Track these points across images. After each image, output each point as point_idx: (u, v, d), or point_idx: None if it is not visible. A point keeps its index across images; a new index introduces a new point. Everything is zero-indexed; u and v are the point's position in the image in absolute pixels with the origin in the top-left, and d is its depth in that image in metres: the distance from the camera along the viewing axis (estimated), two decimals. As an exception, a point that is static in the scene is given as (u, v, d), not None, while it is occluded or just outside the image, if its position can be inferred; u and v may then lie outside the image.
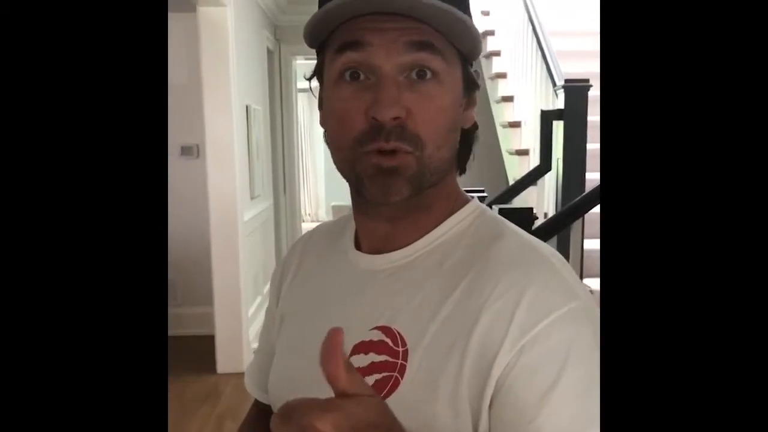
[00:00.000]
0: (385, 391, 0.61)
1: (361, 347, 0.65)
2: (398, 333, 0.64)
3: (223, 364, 3.74)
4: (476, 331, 0.60)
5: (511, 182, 3.84)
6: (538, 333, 0.58)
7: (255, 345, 3.73)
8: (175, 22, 4.22)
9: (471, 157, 0.73)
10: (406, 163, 0.63)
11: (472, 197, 0.74)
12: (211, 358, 3.77)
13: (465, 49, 0.67)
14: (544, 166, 3.10)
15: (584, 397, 0.56)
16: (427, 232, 0.69)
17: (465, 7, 0.65)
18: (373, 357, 0.64)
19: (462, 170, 0.74)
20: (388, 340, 0.64)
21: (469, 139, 0.72)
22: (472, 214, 0.71)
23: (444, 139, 0.65)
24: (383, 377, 0.62)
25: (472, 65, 0.70)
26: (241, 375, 4.03)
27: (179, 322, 4.44)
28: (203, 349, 3.94)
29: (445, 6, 0.60)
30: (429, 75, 0.63)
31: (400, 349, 0.63)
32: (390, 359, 0.63)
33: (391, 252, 0.70)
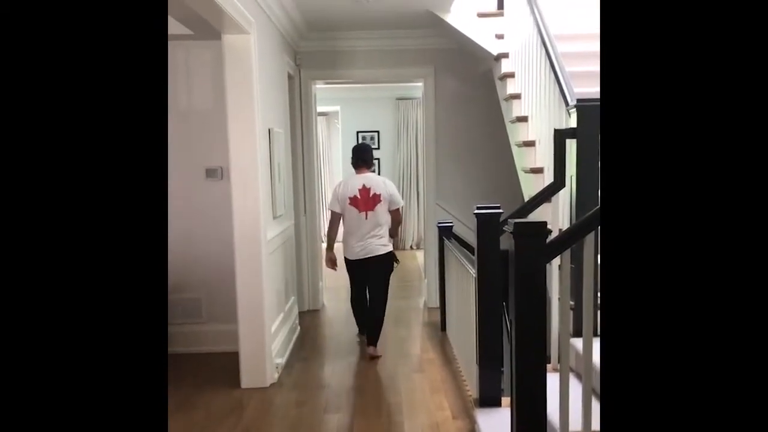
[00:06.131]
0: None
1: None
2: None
3: (247, 380, 3.85)
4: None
5: (527, 200, 3.93)
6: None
7: (278, 360, 3.81)
8: (201, 50, 4.39)
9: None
10: None
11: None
12: (236, 374, 3.87)
13: None
14: (559, 183, 3.19)
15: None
16: None
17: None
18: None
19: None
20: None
21: None
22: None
23: None
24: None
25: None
26: (263, 390, 4.06)
27: (205, 339, 4.56)
28: (228, 364, 4.04)
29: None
30: None
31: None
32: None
33: None
